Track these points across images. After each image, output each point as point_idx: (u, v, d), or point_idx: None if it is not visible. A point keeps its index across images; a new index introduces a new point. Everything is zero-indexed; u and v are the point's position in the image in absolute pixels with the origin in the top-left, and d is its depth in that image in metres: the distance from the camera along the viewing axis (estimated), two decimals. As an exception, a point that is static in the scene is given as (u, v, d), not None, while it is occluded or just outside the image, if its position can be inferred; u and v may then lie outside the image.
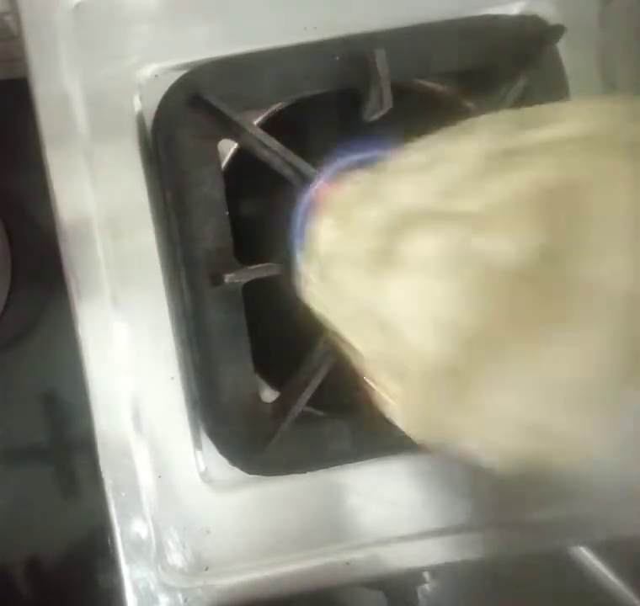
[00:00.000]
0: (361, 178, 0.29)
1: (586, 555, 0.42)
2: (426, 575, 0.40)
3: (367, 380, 0.28)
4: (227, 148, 0.39)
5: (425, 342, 0.27)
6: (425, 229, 0.26)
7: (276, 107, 0.38)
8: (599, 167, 0.24)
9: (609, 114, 0.25)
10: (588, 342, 0.24)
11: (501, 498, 0.38)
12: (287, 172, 0.36)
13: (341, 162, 0.36)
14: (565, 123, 0.25)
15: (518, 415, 0.26)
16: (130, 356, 0.38)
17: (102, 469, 0.37)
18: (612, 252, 0.24)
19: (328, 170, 0.36)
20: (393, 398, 0.28)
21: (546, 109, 0.28)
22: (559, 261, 0.24)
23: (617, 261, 0.23)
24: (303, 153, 0.36)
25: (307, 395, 0.36)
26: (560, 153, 0.25)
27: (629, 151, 0.24)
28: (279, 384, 0.39)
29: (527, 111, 0.28)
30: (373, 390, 0.28)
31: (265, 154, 0.36)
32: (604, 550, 0.41)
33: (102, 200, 0.38)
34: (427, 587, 0.44)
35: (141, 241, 0.38)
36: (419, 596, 0.42)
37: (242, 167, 0.38)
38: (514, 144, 0.26)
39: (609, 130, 0.25)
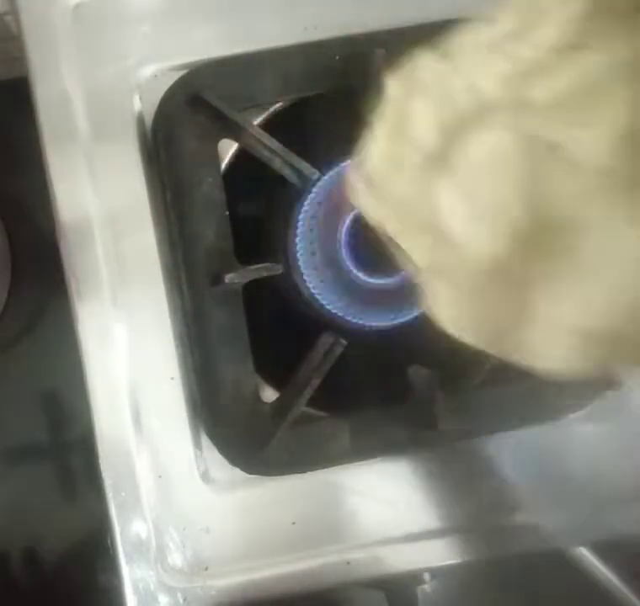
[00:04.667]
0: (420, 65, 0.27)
1: (586, 555, 0.42)
2: (426, 575, 0.40)
3: (424, 289, 0.27)
4: (227, 148, 0.39)
5: (477, 243, 0.26)
6: (486, 127, 0.25)
7: (276, 107, 0.38)
8: None
9: None
10: None
11: (501, 498, 0.39)
12: (287, 172, 0.36)
13: (341, 162, 0.36)
14: None
15: (580, 321, 0.24)
16: (130, 356, 0.38)
17: (102, 469, 0.37)
18: None
19: (330, 170, 0.36)
20: (447, 303, 0.26)
21: None
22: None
23: None
24: (303, 153, 0.36)
25: (307, 395, 0.36)
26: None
27: None
28: (279, 384, 0.39)
29: None
30: (428, 298, 0.26)
31: (265, 154, 0.36)
32: (604, 550, 0.41)
33: (102, 200, 0.38)
34: (427, 587, 0.44)
35: (141, 241, 0.38)
36: (419, 596, 0.42)
37: (242, 167, 0.38)
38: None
39: None
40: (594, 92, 0.24)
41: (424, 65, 0.27)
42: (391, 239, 0.27)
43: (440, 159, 0.26)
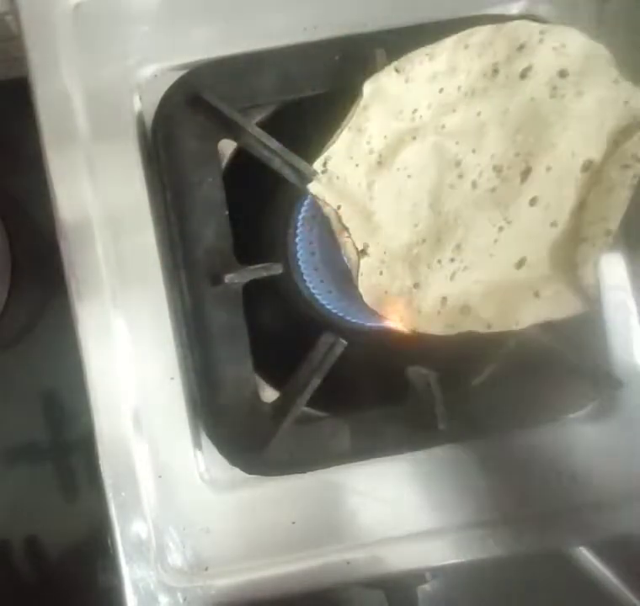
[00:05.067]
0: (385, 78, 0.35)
1: (586, 555, 0.42)
2: (427, 574, 0.40)
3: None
4: (227, 148, 0.39)
5: (398, 231, 0.35)
6: (416, 141, 0.35)
7: (276, 107, 0.38)
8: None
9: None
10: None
11: (501, 498, 0.39)
12: (287, 172, 0.36)
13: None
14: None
15: (452, 296, 0.35)
16: (130, 356, 0.38)
17: (102, 469, 0.37)
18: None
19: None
20: (368, 274, 0.35)
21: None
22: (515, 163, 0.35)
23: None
24: (303, 153, 0.36)
25: (307, 395, 0.36)
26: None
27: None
28: (279, 384, 0.39)
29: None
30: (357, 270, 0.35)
31: (265, 154, 0.36)
32: (604, 550, 0.41)
33: (102, 200, 0.38)
34: (427, 587, 0.44)
35: (141, 241, 0.38)
36: (419, 596, 0.42)
37: (242, 167, 0.38)
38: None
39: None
40: (482, 127, 0.35)
41: (390, 78, 0.35)
42: (339, 225, 0.35)
43: (382, 161, 0.35)
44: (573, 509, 0.39)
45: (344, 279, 0.37)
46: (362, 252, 0.35)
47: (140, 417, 0.38)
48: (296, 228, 0.37)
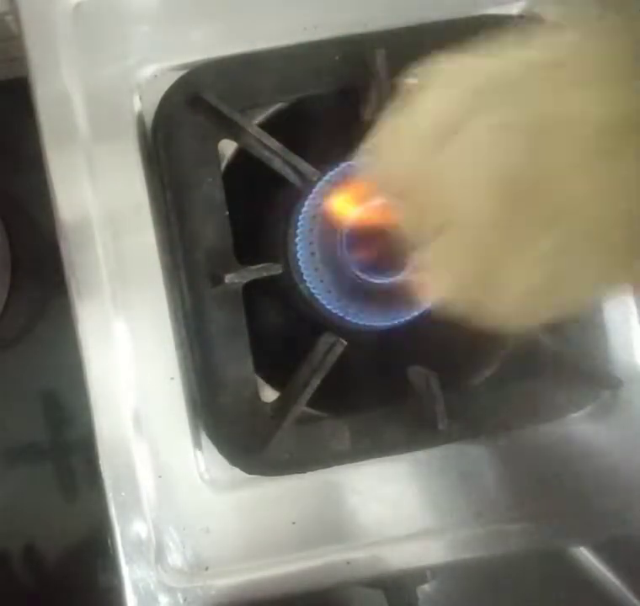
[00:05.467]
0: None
1: (586, 555, 0.42)
2: (428, 574, 0.40)
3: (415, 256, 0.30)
4: (228, 149, 0.39)
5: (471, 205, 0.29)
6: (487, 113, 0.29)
7: (276, 107, 0.38)
8: None
9: None
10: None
11: (500, 498, 0.39)
12: (287, 172, 0.36)
13: (341, 162, 0.36)
14: None
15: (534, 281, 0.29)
16: (130, 356, 0.38)
17: (102, 469, 0.37)
18: None
19: (330, 170, 0.36)
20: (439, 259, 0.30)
21: None
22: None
23: None
24: (303, 153, 0.36)
25: (307, 395, 0.36)
26: None
27: None
28: (279, 384, 0.39)
29: None
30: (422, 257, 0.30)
31: (265, 154, 0.36)
32: (604, 550, 0.41)
33: (102, 200, 0.38)
34: (427, 587, 0.44)
35: (141, 241, 0.38)
36: (420, 596, 0.42)
37: (242, 167, 0.38)
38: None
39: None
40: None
41: (453, 61, 0.30)
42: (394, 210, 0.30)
43: (448, 135, 0.29)
44: (573, 509, 0.39)
45: (344, 279, 0.37)
46: (434, 235, 0.30)
47: (140, 416, 0.38)
48: (296, 228, 0.36)
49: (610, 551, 0.41)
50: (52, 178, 0.38)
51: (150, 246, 0.38)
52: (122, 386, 0.38)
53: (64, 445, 0.61)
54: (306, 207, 0.36)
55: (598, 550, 0.41)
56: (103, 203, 0.38)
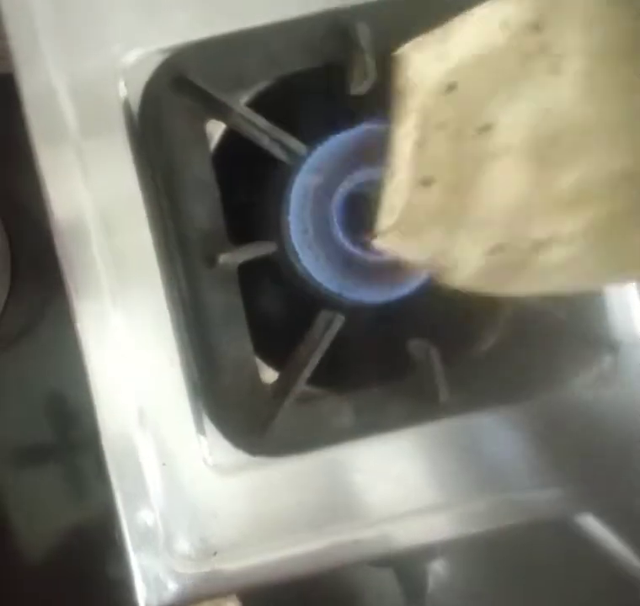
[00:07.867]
0: None
1: (596, 525, 0.42)
2: (438, 550, 0.40)
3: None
4: (217, 131, 0.39)
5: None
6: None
7: (262, 85, 0.38)
8: None
9: None
10: None
11: (504, 469, 0.38)
12: (276, 149, 0.36)
13: (330, 136, 0.36)
14: None
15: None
16: (130, 348, 0.38)
17: (106, 459, 0.37)
18: None
19: (319, 146, 0.36)
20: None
21: None
22: None
23: None
24: (292, 130, 0.35)
25: (307, 373, 0.36)
26: None
27: None
28: (278, 364, 0.39)
29: None
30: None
31: (253, 132, 0.36)
32: (609, 517, 0.41)
33: (95, 194, 0.38)
34: (437, 565, 0.44)
35: (136, 233, 0.38)
36: (429, 574, 0.42)
37: (232, 148, 0.38)
38: None
39: None
40: None
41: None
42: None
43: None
44: (577, 476, 0.39)
45: (340, 255, 0.37)
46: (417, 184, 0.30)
47: (142, 406, 0.38)
48: (288, 206, 0.36)
49: (615, 517, 0.41)
50: (43, 173, 0.37)
51: (145, 237, 0.38)
52: (123, 376, 0.37)
53: (69, 442, 0.61)
54: (297, 184, 0.36)
55: (603, 516, 0.41)
56: (96, 196, 0.37)
